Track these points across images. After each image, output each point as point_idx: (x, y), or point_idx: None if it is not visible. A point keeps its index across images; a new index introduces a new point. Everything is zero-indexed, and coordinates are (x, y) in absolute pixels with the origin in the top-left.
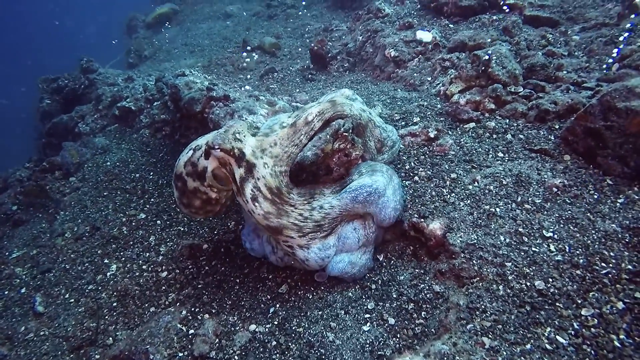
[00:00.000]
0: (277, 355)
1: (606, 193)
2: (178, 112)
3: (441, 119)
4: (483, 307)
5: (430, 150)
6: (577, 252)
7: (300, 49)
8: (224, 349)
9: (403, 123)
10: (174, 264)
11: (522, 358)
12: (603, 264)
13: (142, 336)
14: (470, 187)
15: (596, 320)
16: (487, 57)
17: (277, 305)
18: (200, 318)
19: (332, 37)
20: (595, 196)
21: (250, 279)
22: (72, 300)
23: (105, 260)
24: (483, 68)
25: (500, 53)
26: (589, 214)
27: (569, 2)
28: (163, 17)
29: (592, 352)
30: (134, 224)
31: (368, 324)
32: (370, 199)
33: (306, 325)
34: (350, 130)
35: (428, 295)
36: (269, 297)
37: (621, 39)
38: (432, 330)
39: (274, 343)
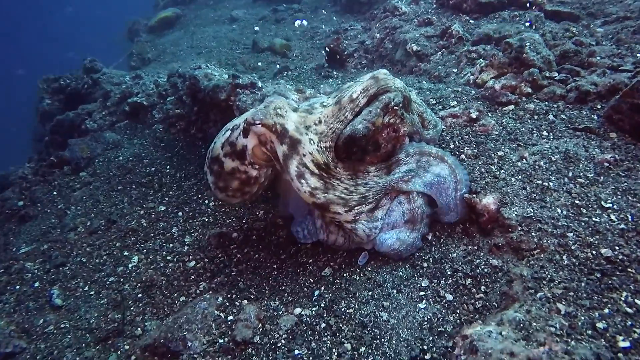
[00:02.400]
0: (328, 336)
1: None
2: (195, 104)
3: (478, 102)
4: (550, 276)
5: (473, 130)
6: None
7: (311, 51)
8: (268, 333)
9: (440, 107)
10: (202, 253)
11: (603, 321)
12: None
13: (179, 322)
14: (519, 163)
15: None
16: (520, 43)
17: (322, 288)
18: (238, 304)
19: (348, 36)
20: None
21: (289, 265)
22: (93, 292)
23: (125, 253)
24: (517, 54)
25: (533, 39)
26: None
27: None
28: (166, 21)
29: None
30: (153, 216)
31: (424, 301)
32: (414, 181)
33: (356, 307)
34: (400, 105)
35: (485, 270)
36: (311, 280)
37: None
38: (494, 303)
39: (323, 325)
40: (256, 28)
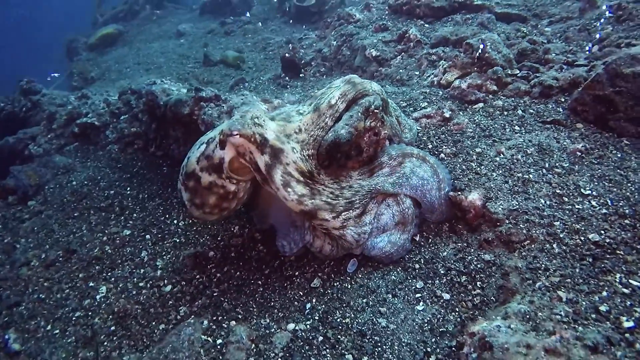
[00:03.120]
0: (328, 350)
1: (627, 151)
2: (153, 121)
3: (449, 102)
4: (544, 265)
5: (448, 129)
6: (620, 204)
7: (265, 62)
8: (263, 353)
9: (411, 109)
10: (178, 276)
11: (605, 304)
12: None
13: (164, 352)
14: (498, 158)
15: None
16: (481, 44)
17: (314, 301)
18: (226, 326)
19: (303, 45)
20: (619, 155)
21: (274, 279)
22: (57, 331)
23: (91, 284)
24: (479, 54)
25: (493, 39)
26: (618, 170)
27: (530, 1)
28: (108, 38)
29: None
30: (118, 241)
31: (421, 303)
32: (399, 182)
33: (352, 316)
34: (380, 108)
35: (479, 266)
36: (301, 293)
37: (598, 25)
38: (492, 298)
39: (321, 339)
40: (256, 43)
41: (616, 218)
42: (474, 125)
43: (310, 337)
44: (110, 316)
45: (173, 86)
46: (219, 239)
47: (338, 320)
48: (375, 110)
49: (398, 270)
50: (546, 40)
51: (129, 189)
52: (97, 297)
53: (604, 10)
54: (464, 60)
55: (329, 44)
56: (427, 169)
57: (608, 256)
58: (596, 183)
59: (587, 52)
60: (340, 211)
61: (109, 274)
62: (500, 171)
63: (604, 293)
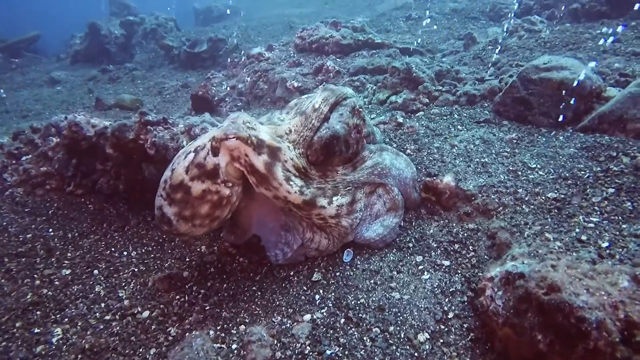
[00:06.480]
0: (353, 328)
1: (548, 136)
2: (73, 157)
3: (396, 111)
4: (523, 222)
5: (404, 132)
6: (560, 170)
7: (164, 104)
8: (288, 346)
9: None
10: (153, 301)
11: (583, 235)
12: (582, 172)
13: None
14: (454, 150)
15: (605, 201)
16: (406, 66)
17: (321, 292)
18: (235, 331)
19: (213, 84)
20: (543, 139)
21: (270, 282)
22: None
23: (37, 330)
24: (406, 74)
25: (416, 62)
26: (549, 149)
27: (420, 42)
28: None
29: (619, 217)
30: (57, 282)
31: (425, 272)
32: (383, 173)
33: (365, 296)
34: (362, 107)
35: (466, 234)
36: (305, 288)
37: (487, 54)
38: (486, 257)
39: (343, 320)
40: (149, 88)
41: (562, 180)
42: (424, 128)
43: (332, 322)
44: (80, 355)
45: (94, 119)
46: (187, 260)
47: (353, 302)
48: (360, 109)
49: (394, 251)
50: (450, 66)
51: (50, 230)
52: (53, 340)
53: (485, 45)
54: (393, 81)
55: (243, 80)
56: (402, 161)
57: (567, 206)
58: (537, 159)
59: (488, 72)
60: (331, 195)
61: (59, 315)
62: (461, 159)
63: (577, 230)
